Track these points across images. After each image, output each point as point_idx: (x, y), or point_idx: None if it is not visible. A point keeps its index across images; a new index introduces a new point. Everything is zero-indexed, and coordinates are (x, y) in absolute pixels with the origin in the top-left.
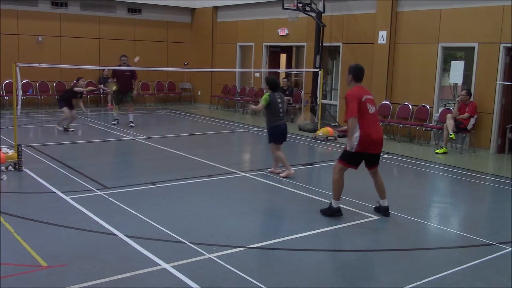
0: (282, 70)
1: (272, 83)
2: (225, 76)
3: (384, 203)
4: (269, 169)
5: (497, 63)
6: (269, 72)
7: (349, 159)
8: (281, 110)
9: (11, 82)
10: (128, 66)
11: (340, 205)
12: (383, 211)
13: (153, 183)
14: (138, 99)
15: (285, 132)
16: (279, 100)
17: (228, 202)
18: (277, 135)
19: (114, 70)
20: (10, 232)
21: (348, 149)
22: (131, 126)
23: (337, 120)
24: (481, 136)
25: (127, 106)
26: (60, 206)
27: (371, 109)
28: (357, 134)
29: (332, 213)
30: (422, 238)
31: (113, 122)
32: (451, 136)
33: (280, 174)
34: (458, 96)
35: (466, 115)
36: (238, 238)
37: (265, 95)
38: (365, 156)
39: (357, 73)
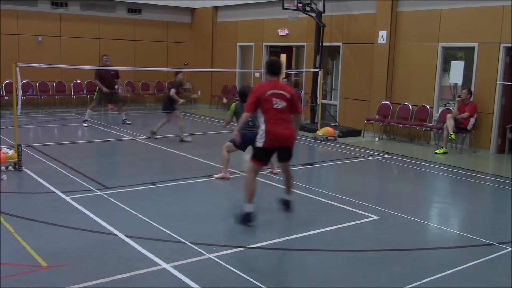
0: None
1: (241, 94)
2: (225, 76)
3: (288, 197)
4: (269, 169)
5: (497, 63)
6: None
7: (258, 155)
8: (249, 119)
9: (11, 82)
10: (109, 66)
11: (341, 205)
12: (284, 203)
13: (153, 183)
14: (138, 99)
15: (252, 141)
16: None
17: (228, 202)
18: (243, 142)
19: (98, 71)
20: (10, 232)
21: (256, 144)
22: (128, 124)
23: (337, 120)
24: (481, 136)
25: (116, 107)
26: (60, 206)
27: (278, 104)
28: (262, 129)
29: (242, 219)
30: (422, 238)
31: (84, 125)
32: (451, 136)
33: (215, 175)
34: (459, 96)
35: (466, 114)
36: (238, 238)
37: (232, 105)
38: (272, 150)
39: (269, 66)
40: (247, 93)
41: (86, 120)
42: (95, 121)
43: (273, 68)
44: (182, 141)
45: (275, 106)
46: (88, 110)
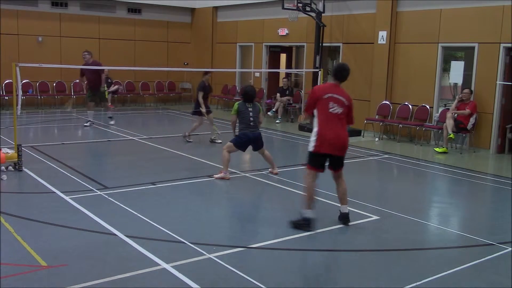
0: (282, 70)
1: (245, 93)
2: (225, 76)
3: (344, 209)
4: (269, 169)
5: (497, 63)
6: (269, 73)
7: (311, 161)
8: (251, 119)
9: (11, 82)
10: (93, 61)
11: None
12: (342, 218)
13: (153, 183)
14: (138, 99)
15: (255, 140)
16: (250, 109)
17: (228, 202)
18: (240, 141)
19: (81, 69)
20: (10, 232)
21: (308, 148)
22: (111, 124)
23: None
24: (481, 136)
25: (103, 105)
26: (60, 206)
27: (334, 108)
28: (314, 132)
29: (301, 224)
30: (422, 238)
31: (85, 124)
32: (450, 136)
33: (215, 175)
34: (460, 95)
35: (467, 111)
36: (238, 238)
37: (235, 104)
38: (323, 156)
39: (337, 72)
40: (251, 92)
41: (90, 121)
42: (95, 121)
43: (340, 75)
44: (184, 137)
45: (330, 110)
46: (88, 111)
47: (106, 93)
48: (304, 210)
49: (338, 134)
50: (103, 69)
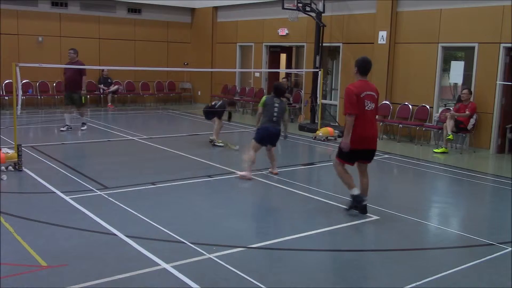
0: (282, 70)
1: (276, 88)
2: (225, 76)
3: (353, 191)
4: (269, 169)
5: (497, 63)
6: (269, 73)
7: (344, 156)
8: (275, 114)
9: (11, 82)
10: (77, 61)
11: (341, 205)
12: (360, 208)
13: (153, 183)
14: (138, 99)
15: (273, 136)
16: (276, 105)
17: (228, 202)
18: (262, 136)
19: (64, 68)
20: (10, 232)
21: (341, 146)
22: (82, 129)
23: (337, 120)
24: (481, 136)
25: (78, 110)
26: (60, 206)
27: (369, 105)
28: (350, 131)
29: (356, 203)
30: (422, 238)
31: (61, 129)
32: (449, 137)
33: (240, 172)
34: (460, 98)
35: (467, 113)
36: (238, 238)
37: (263, 98)
38: (358, 152)
39: (363, 66)
40: (283, 88)
41: (67, 125)
42: (95, 121)
43: (368, 70)
44: (214, 144)
45: (367, 108)
46: (65, 114)
47: (84, 99)
48: (350, 190)
49: (373, 129)
50: (85, 72)
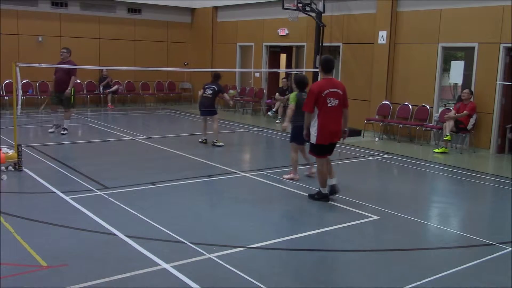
0: (282, 70)
1: (300, 82)
2: (225, 76)
3: (332, 181)
4: (305, 173)
5: (497, 63)
6: (269, 73)
7: (316, 150)
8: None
9: (11, 82)
10: (69, 61)
11: (341, 205)
12: (332, 189)
13: (153, 183)
14: (138, 99)
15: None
16: (304, 100)
17: (228, 202)
18: (298, 135)
19: (54, 68)
20: (10, 232)
21: (310, 140)
22: (62, 134)
23: None
24: (481, 136)
25: (65, 111)
26: (60, 206)
27: (332, 102)
28: (314, 127)
29: (320, 197)
30: (422, 238)
31: (50, 130)
32: (447, 137)
33: (284, 176)
34: (460, 98)
35: (465, 112)
36: (238, 238)
37: (293, 94)
38: (327, 146)
39: (326, 65)
40: (306, 80)
41: (55, 125)
42: (95, 121)
43: (331, 67)
44: (214, 144)
45: (329, 105)
46: (52, 115)
47: (72, 99)
48: (322, 188)
49: (336, 124)
50: (75, 72)
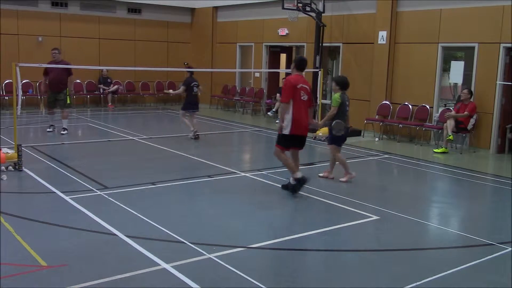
0: (282, 70)
1: (343, 82)
2: (225, 76)
3: (299, 174)
4: (320, 174)
5: (497, 63)
6: (269, 73)
7: (284, 142)
8: (347, 109)
9: (11, 82)
10: (62, 61)
11: (341, 206)
12: (298, 181)
13: (153, 183)
14: (138, 99)
15: (347, 135)
16: (347, 102)
17: (228, 202)
18: (339, 137)
19: (46, 68)
20: (10, 232)
21: (282, 132)
22: (62, 134)
23: None
24: (481, 136)
25: (62, 111)
26: (60, 206)
27: (304, 96)
28: (288, 118)
29: (297, 183)
30: (422, 238)
31: (48, 130)
32: (449, 137)
33: (341, 179)
34: (459, 98)
35: (466, 113)
36: (238, 238)
37: (336, 96)
38: (296, 138)
39: (300, 64)
40: (347, 80)
41: (52, 125)
42: (95, 121)
43: (303, 66)
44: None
45: (302, 98)
46: (49, 115)
47: (68, 99)
48: (294, 174)
49: (306, 117)
50: (71, 71)
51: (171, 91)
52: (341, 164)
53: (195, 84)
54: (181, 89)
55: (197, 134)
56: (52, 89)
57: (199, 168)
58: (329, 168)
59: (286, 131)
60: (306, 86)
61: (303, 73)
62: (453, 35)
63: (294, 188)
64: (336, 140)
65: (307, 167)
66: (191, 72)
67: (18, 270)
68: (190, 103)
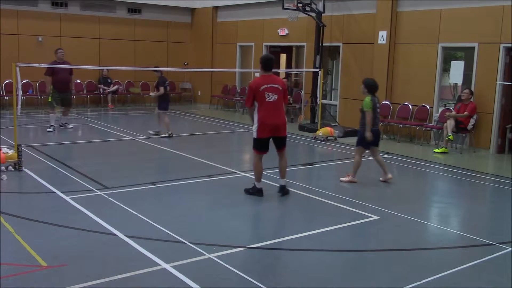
0: (282, 70)
1: (371, 85)
2: (225, 76)
3: (282, 182)
4: (342, 179)
5: (497, 63)
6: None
7: (257, 145)
8: (378, 111)
9: (11, 82)
10: (65, 60)
11: (341, 206)
12: (280, 190)
13: (153, 183)
14: (138, 99)
15: (378, 138)
16: (378, 105)
17: (228, 202)
18: (370, 141)
19: (51, 68)
20: (10, 232)
21: (254, 136)
22: (70, 128)
23: (337, 120)
24: (481, 136)
25: (66, 110)
26: (60, 206)
27: (270, 97)
28: (255, 121)
29: (254, 192)
30: (422, 238)
31: (48, 129)
32: (449, 137)
33: (342, 178)
34: (460, 97)
35: (466, 113)
36: (238, 238)
37: (367, 100)
38: (267, 140)
39: (265, 63)
40: (377, 84)
41: (52, 125)
42: (95, 121)
43: (270, 66)
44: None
45: (267, 100)
46: (51, 115)
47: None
48: (256, 183)
49: (277, 118)
50: (72, 71)
51: (152, 94)
52: (354, 165)
53: (167, 83)
54: (162, 89)
55: (167, 134)
56: (60, 89)
57: (199, 168)
58: (351, 172)
59: (254, 135)
60: (275, 86)
61: (271, 72)
62: (453, 35)
63: (249, 191)
64: (363, 142)
65: (307, 167)
66: (161, 72)
67: (18, 270)
68: (167, 102)
